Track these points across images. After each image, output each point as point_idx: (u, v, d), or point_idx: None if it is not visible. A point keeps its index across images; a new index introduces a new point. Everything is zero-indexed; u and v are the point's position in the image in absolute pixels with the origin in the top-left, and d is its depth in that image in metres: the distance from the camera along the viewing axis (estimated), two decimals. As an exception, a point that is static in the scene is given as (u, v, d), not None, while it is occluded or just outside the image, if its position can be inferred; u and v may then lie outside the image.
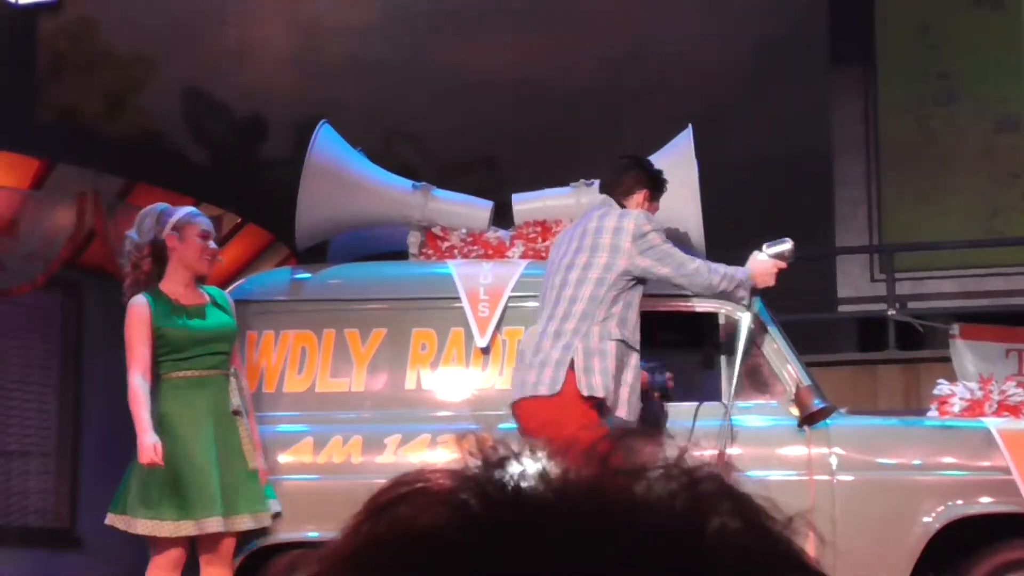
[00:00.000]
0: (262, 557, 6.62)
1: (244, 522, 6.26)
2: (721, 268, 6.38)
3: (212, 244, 6.43)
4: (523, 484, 0.96)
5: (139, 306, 6.29)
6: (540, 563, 0.92)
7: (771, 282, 6.39)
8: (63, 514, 11.74)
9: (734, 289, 6.36)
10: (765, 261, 6.36)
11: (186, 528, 6.13)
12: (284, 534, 6.62)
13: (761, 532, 0.96)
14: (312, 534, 6.63)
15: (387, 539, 0.95)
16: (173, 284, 6.36)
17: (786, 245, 6.34)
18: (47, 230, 11.13)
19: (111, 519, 6.21)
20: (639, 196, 6.45)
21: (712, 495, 0.96)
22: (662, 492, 0.95)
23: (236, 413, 6.33)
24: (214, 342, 6.33)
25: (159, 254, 6.35)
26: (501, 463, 0.98)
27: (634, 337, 6.23)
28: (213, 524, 6.15)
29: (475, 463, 0.99)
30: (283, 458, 6.73)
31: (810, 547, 1.01)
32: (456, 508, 0.95)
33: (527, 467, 0.97)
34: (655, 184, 6.53)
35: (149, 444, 6.05)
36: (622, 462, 0.97)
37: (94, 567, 10.83)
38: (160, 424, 6.19)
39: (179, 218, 6.37)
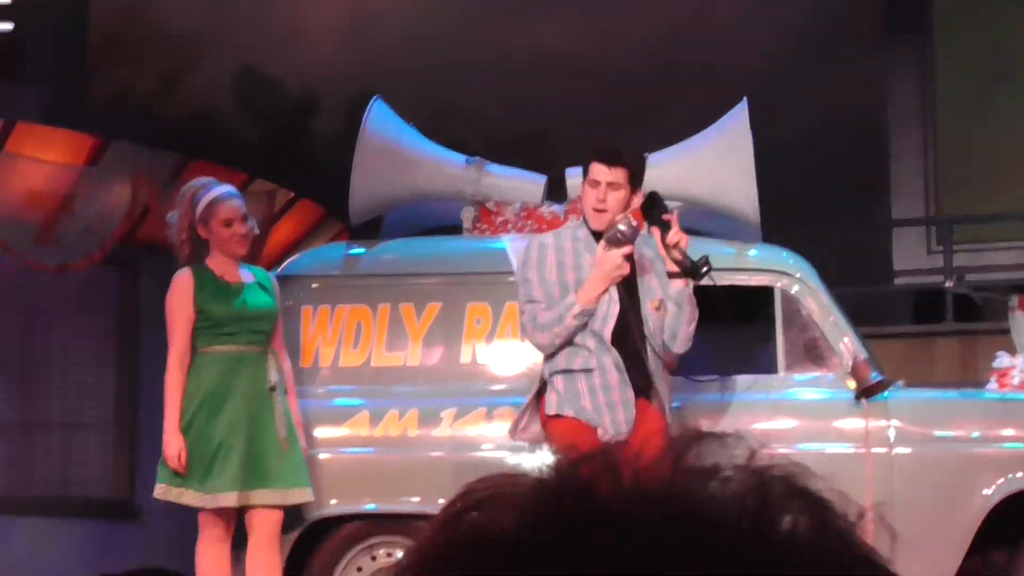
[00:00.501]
0: (320, 530, 6.65)
1: (267, 497, 6.25)
2: (546, 316, 5.96)
3: (239, 226, 6.37)
4: (595, 489, 0.96)
5: (182, 280, 6.34)
6: (613, 568, 0.92)
7: (621, 271, 5.87)
8: (122, 485, 11.85)
9: (566, 323, 5.92)
10: (604, 255, 6.03)
11: (213, 501, 6.18)
12: (341, 507, 6.65)
13: (832, 530, 0.96)
14: (369, 507, 6.66)
15: (461, 545, 0.96)
16: (217, 262, 6.40)
17: (620, 225, 5.99)
18: (103, 207, 11.20)
19: (155, 490, 6.30)
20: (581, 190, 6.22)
21: (783, 494, 0.96)
22: (733, 492, 0.96)
23: (272, 389, 6.34)
24: (254, 320, 6.36)
25: (196, 237, 6.37)
26: (573, 468, 0.98)
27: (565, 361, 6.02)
28: (227, 499, 6.18)
29: (548, 468, 0.98)
30: (339, 431, 6.75)
31: (873, 534, 1.01)
32: (529, 513, 0.95)
33: (599, 471, 0.97)
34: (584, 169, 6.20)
35: (175, 449, 6.16)
36: (693, 463, 0.97)
37: (153, 537, 10.91)
38: (195, 397, 6.26)
39: (203, 208, 6.34)
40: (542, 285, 6.01)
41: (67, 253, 11.07)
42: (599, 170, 6.01)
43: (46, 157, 10.99)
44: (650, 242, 6.08)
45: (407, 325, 6.93)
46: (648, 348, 5.99)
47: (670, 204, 6.54)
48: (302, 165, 15.86)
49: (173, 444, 6.18)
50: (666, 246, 5.93)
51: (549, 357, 6.05)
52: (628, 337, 5.97)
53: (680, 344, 6.03)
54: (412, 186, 7.39)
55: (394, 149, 7.34)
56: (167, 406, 6.26)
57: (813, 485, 0.97)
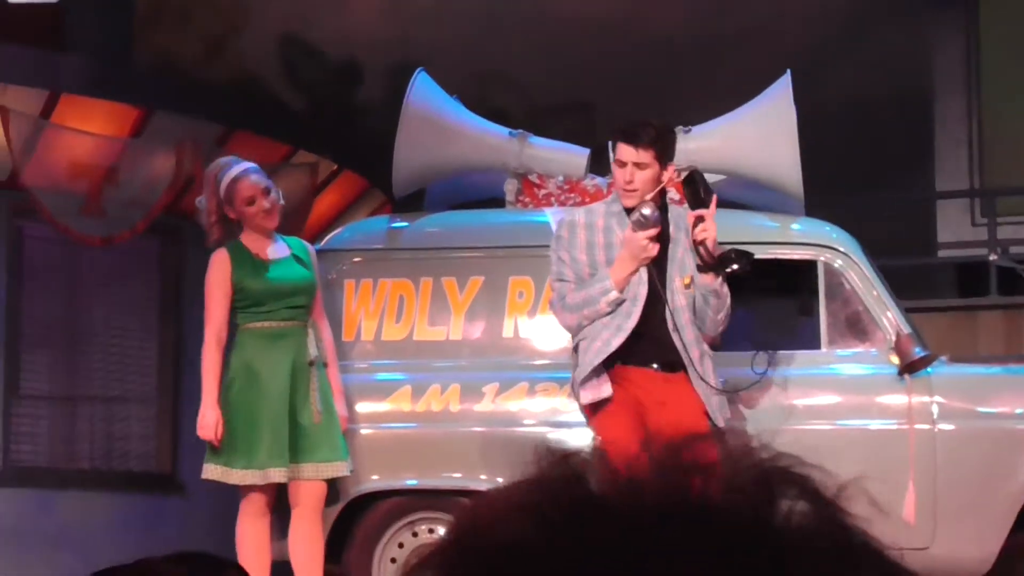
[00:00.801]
0: (361, 506, 6.67)
1: (306, 471, 6.28)
2: (576, 296, 5.96)
3: (263, 201, 6.35)
4: (597, 491, 1.00)
5: (219, 259, 6.37)
6: (617, 569, 0.95)
7: (647, 253, 5.86)
8: (164, 459, 11.89)
9: (599, 307, 5.91)
10: (630, 237, 6.00)
11: (252, 477, 6.20)
12: (383, 482, 6.67)
13: (828, 514, 0.98)
14: (410, 482, 6.68)
15: (469, 549, 0.99)
16: (251, 238, 6.42)
17: (643, 210, 5.92)
18: (147, 177, 11.24)
19: (204, 471, 6.33)
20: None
21: (779, 482, 0.99)
22: (730, 484, 0.98)
23: (311, 364, 6.36)
24: (292, 295, 6.38)
25: (224, 218, 6.40)
26: (576, 471, 1.02)
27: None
28: (278, 474, 6.21)
29: (552, 471, 1.03)
30: (381, 406, 6.77)
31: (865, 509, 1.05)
32: (534, 517, 0.99)
33: (600, 473, 1.02)
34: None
35: (211, 421, 6.21)
36: (690, 460, 1.00)
37: (196, 511, 10.97)
38: (236, 373, 6.29)
39: (224, 189, 6.35)
40: (572, 265, 6.01)
41: (112, 224, 11.11)
42: (624, 150, 5.96)
43: (90, 128, 11.03)
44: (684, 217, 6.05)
45: (449, 299, 6.94)
46: (680, 326, 5.96)
47: (710, 178, 6.51)
48: (344, 136, 15.87)
49: (209, 417, 6.22)
50: (693, 240, 5.90)
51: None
52: (656, 317, 5.96)
53: (709, 329, 6.03)
54: (455, 159, 7.39)
55: (437, 122, 7.34)
56: (205, 383, 6.30)
57: (810, 475, 1.00)
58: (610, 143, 6.15)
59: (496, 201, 7.45)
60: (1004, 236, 12.30)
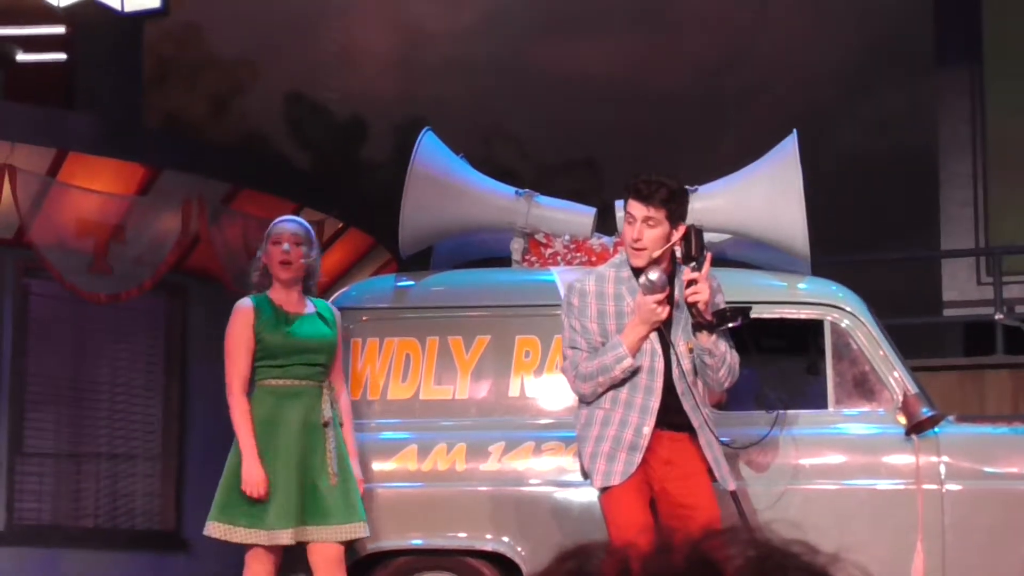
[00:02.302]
0: (368, 564, 6.64)
1: (322, 533, 6.23)
2: (589, 366, 5.89)
3: (287, 246, 6.39)
4: None
5: (243, 309, 6.36)
6: None
7: (658, 317, 5.81)
8: (169, 517, 11.86)
9: (613, 374, 5.87)
10: (641, 301, 5.99)
11: (256, 537, 6.16)
12: (388, 541, 6.64)
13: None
14: (416, 541, 6.65)
15: None
16: (278, 292, 6.43)
17: (650, 275, 5.88)
18: (154, 235, 11.26)
19: (208, 528, 6.28)
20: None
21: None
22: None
23: (326, 425, 6.33)
24: (311, 352, 6.35)
25: (266, 270, 6.45)
26: (583, 563, 1.05)
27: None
28: (284, 536, 6.15)
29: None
30: (387, 465, 6.74)
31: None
32: None
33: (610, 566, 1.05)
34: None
35: (257, 476, 6.14)
36: (700, 552, 1.06)
37: (200, 569, 10.93)
38: None
39: (266, 234, 6.48)
40: (584, 335, 5.96)
41: (119, 282, 11.13)
42: (635, 206, 5.88)
43: (97, 187, 11.07)
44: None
45: (456, 358, 6.93)
46: (686, 388, 5.93)
47: (716, 238, 6.48)
48: (350, 193, 15.91)
49: (256, 473, 6.14)
50: (686, 301, 5.85)
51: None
52: (666, 379, 5.94)
53: (713, 386, 6.01)
54: (462, 218, 7.40)
55: (444, 181, 7.35)
56: (240, 434, 6.22)
57: (816, 564, 1.01)
58: (622, 199, 6.12)
59: (502, 260, 7.46)
60: (1010, 295, 12.29)
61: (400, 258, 7.67)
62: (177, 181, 11.32)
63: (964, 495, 6.51)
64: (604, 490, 5.93)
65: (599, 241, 7.38)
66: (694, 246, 5.88)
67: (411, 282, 7.21)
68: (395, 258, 10.91)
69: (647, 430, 5.87)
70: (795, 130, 7.16)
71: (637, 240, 5.88)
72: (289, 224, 6.48)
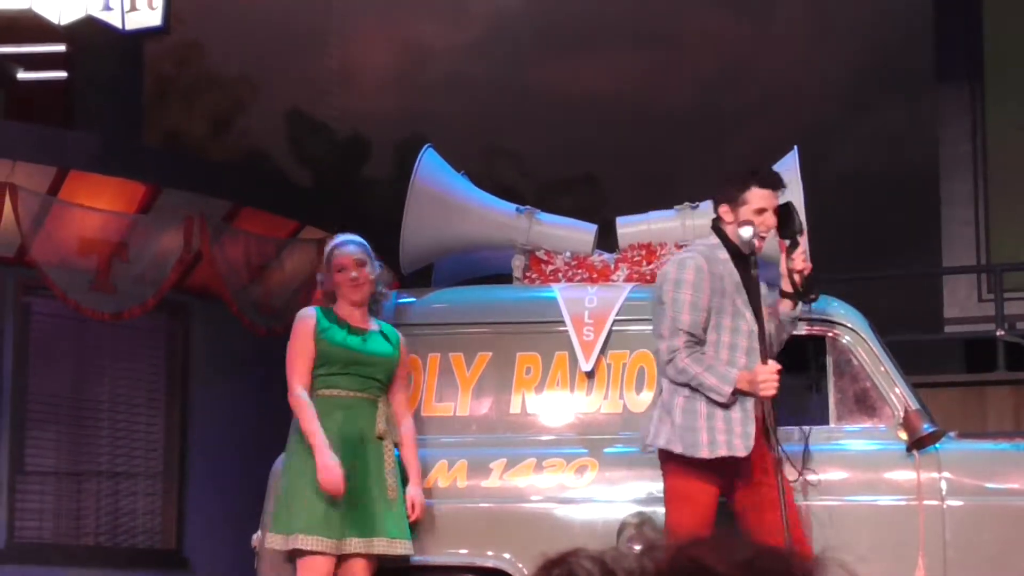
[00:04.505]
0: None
1: (372, 546, 6.26)
2: (690, 369, 5.99)
3: (353, 271, 6.50)
4: None
5: (305, 318, 6.48)
6: None
7: (767, 391, 5.93)
8: (170, 535, 11.85)
9: (704, 391, 5.99)
10: (761, 370, 5.98)
11: (315, 544, 6.17)
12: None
13: None
14: (417, 558, 6.64)
15: None
16: (343, 308, 6.54)
17: (742, 233, 6.12)
18: (156, 254, 11.26)
19: (270, 540, 6.29)
20: (721, 211, 6.27)
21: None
22: None
23: (380, 439, 6.36)
24: (369, 366, 6.42)
25: (330, 292, 6.57)
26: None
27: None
28: (331, 545, 6.18)
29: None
30: (389, 482, 6.74)
31: None
32: None
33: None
34: (721, 190, 6.24)
35: (333, 466, 6.16)
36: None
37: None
38: (300, 440, 6.27)
39: (326, 256, 6.58)
40: (691, 311, 6.02)
41: (122, 300, 11.13)
42: (767, 197, 6.07)
43: (98, 205, 11.07)
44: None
45: (457, 375, 6.94)
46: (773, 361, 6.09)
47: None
48: (352, 211, 15.92)
49: (332, 468, 6.16)
50: (788, 268, 6.03)
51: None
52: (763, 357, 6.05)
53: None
54: (463, 235, 7.41)
55: (445, 198, 7.36)
56: (311, 436, 6.23)
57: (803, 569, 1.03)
58: (734, 188, 6.15)
59: (504, 277, 7.46)
60: (1011, 312, 12.30)
61: (401, 275, 7.68)
62: (178, 199, 11.32)
63: (965, 511, 6.51)
64: (669, 456, 6.00)
65: (600, 258, 7.39)
66: (796, 220, 6.11)
67: (412, 299, 7.22)
68: (396, 275, 10.91)
69: (738, 444, 5.97)
70: (796, 146, 7.18)
71: (770, 229, 6.07)
72: (349, 247, 6.57)
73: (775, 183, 6.09)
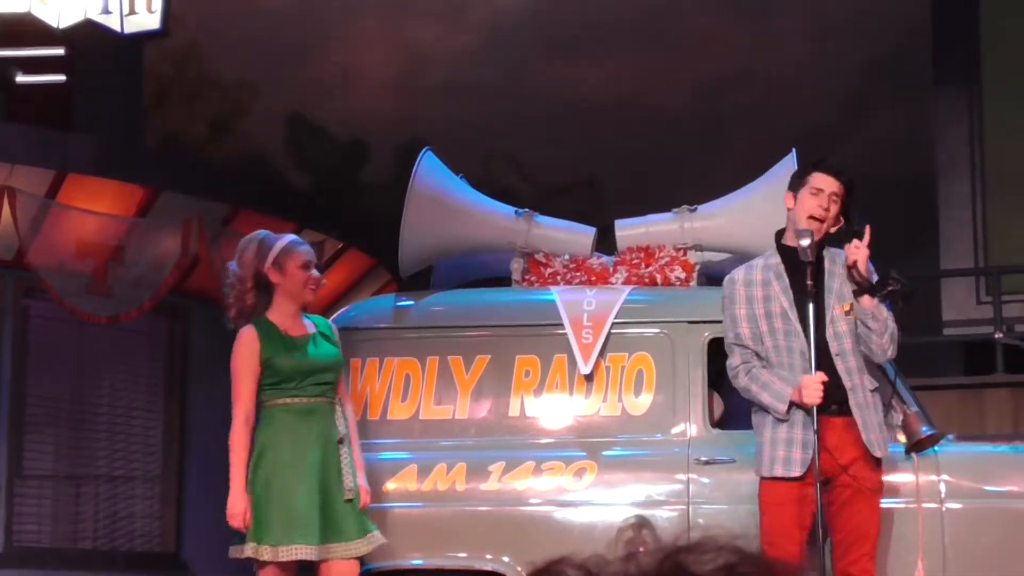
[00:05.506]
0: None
1: (348, 550, 6.23)
2: (749, 388, 6.11)
3: (315, 272, 6.42)
4: None
5: (248, 338, 6.30)
6: None
7: (812, 400, 5.96)
8: (168, 538, 11.84)
9: (760, 404, 6.10)
10: (808, 381, 6.06)
11: (284, 553, 6.14)
12: (389, 562, 6.63)
13: None
14: (416, 561, 6.64)
15: None
16: (280, 315, 6.37)
17: (802, 241, 6.16)
18: (154, 257, 11.26)
19: (240, 550, 6.24)
20: (786, 201, 6.29)
21: None
22: None
23: (340, 442, 6.33)
24: (321, 372, 6.34)
25: (262, 286, 6.35)
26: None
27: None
28: (307, 552, 6.13)
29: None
30: (387, 485, 6.74)
31: None
32: None
33: None
34: (790, 185, 6.33)
35: (240, 509, 6.13)
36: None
37: (199, 591, 10.92)
38: (265, 449, 6.23)
39: (279, 251, 6.34)
40: (733, 324, 6.16)
41: (118, 304, 11.13)
42: (825, 180, 6.15)
43: (97, 208, 11.07)
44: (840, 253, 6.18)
45: (456, 378, 6.93)
46: (843, 352, 6.08)
47: (716, 257, 6.56)
48: (351, 214, 15.93)
49: (238, 504, 6.13)
50: (847, 266, 6.08)
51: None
52: (821, 358, 6.04)
53: (877, 355, 6.17)
54: (462, 238, 7.41)
55: (444, 201, 7.36)
56: (233, 465, 6.18)
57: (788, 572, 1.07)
58: (794, 176, 6.29)
59: (502, 280, 7.46)
60: (1009, 314, 12.30)
61: (400, 278, 7.68)
62: (177, 202, 11.33)
63: (964, 514, 6.50)
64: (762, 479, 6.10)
65: (599, 261, 7.38)
66: (855, 220, 6.20)
67: (411, 302, 7.22)
68: (395, 279, 10.91)
69: (798, 459, 6.02)
70: (794, 149, 7.18)
71: (824, 210, 6.12)
72: (305, 247, 6.45)
73: (837, 171, 6.19)
